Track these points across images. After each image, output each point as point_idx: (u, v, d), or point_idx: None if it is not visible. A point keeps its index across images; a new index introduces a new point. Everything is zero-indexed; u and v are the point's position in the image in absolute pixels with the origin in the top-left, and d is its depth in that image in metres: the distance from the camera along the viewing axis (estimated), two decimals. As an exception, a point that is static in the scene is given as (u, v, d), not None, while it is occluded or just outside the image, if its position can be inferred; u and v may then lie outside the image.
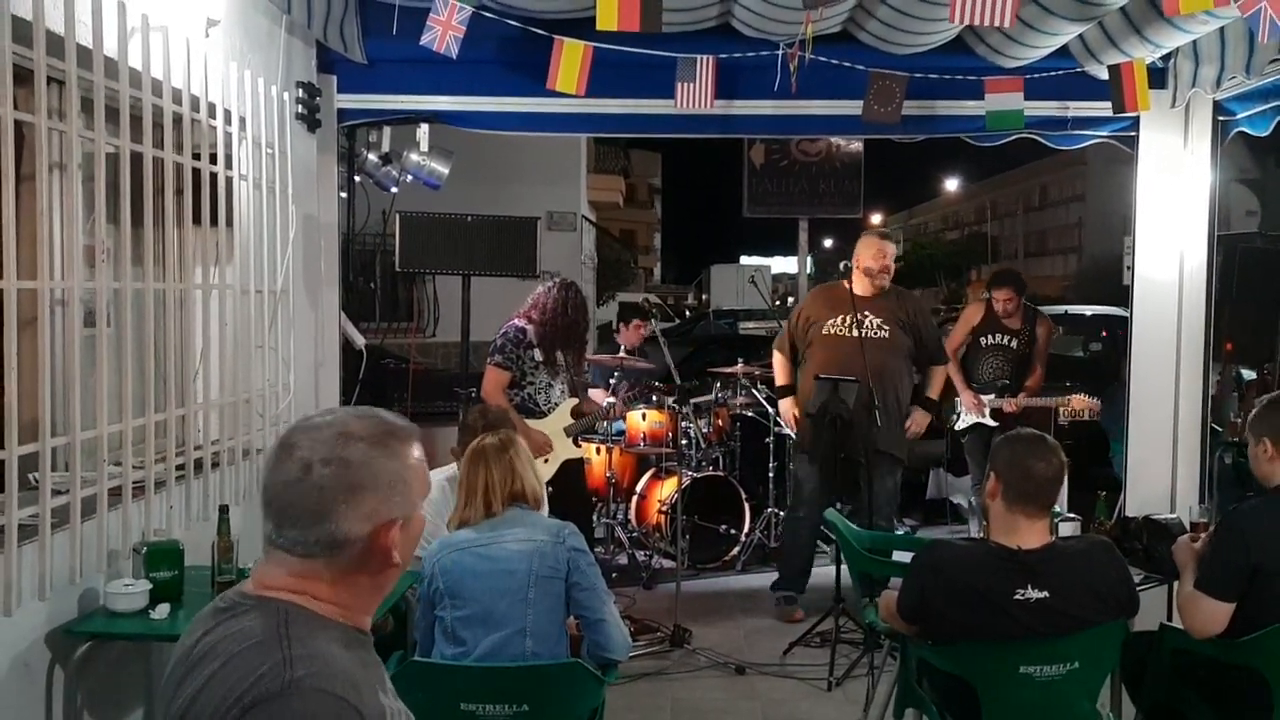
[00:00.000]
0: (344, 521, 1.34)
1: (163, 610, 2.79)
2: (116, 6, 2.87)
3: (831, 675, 4.37)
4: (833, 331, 5.09)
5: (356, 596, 1.39)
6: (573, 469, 5.09)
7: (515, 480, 2.84)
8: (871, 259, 5.07)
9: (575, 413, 5.04)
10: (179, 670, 1.33)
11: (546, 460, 4.84)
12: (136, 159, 2.99)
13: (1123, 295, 5.00)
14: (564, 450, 4.99)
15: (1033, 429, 2.76)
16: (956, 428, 6.01)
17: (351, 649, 1.35)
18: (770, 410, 6.34)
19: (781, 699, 4.25)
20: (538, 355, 4.86)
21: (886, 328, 5.07)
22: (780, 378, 5.42)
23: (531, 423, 4.83)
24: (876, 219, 58.52)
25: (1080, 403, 5.68)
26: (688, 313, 23.97)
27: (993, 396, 5.83)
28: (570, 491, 4.96)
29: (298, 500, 1.34)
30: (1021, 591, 2.53)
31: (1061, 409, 5.73)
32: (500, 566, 2.70)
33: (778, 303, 21.98)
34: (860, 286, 5.07)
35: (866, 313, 5.04)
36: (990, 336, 5.97)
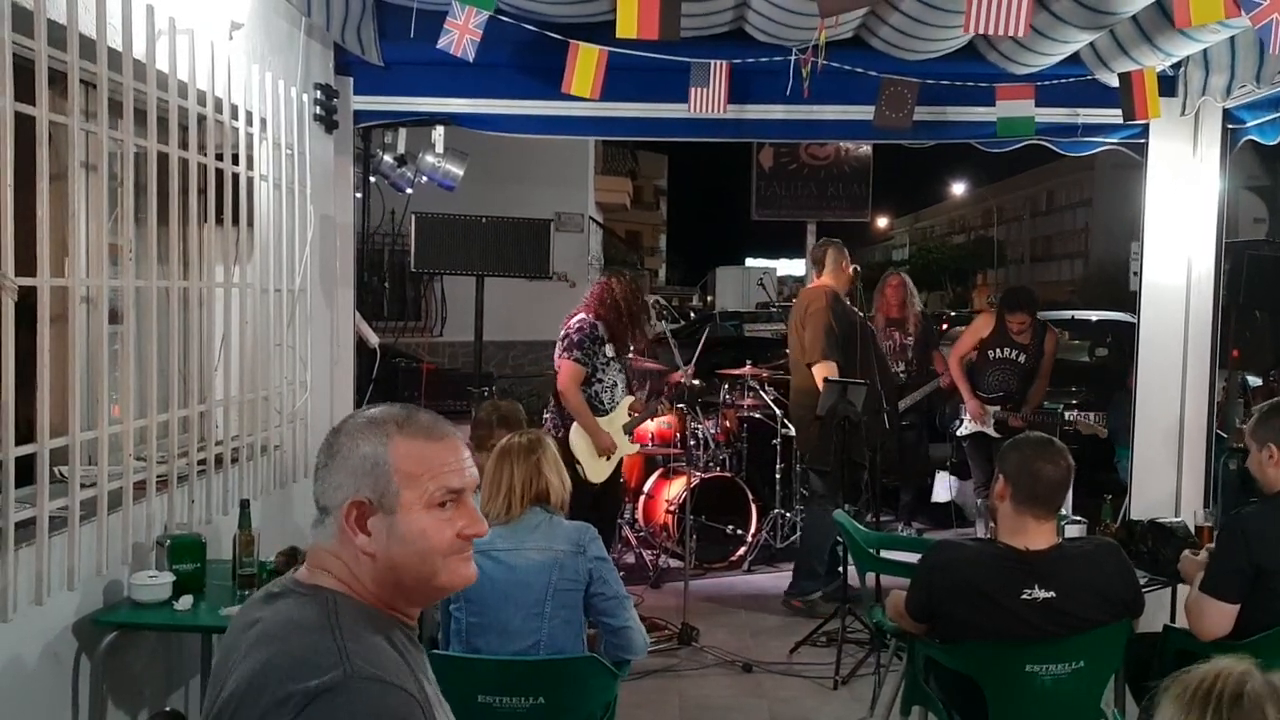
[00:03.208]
0: (322, 484, 1.41)
1: (186, 602, 2.85)
2: (145, 10, 2.93)
3: (838, 674, 4.42)
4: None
5: (375, 587, 1.39)
6: (615, 467, 5.18)
7: (539, 481, 2.82)
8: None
9: (633, 409, 5.13)
10: (233, 651, 1.36)
11: (609, 458, 4.96)
12: (161, 159, 3.05)
13: (1128, 301, 5.05)
14: (625, 447, 5.11)
15: (1041, 432, 2.81)
16: (959, 433, 6.05)
17: (395, 638, 1.38)
18: (778, 412, 6.39)
19: (788, 697, 4.30)
20: (609, 351, 4.93)
21: None
22: None
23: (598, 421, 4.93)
24: (883, 222, 58.54)
25: (1086, 427, 5.69)
26: (692, 314, 23.99)
27: (997, 409, 5.87)
28: (612, 487, 5.09)
29: (316, 466, 1.45)
30: (1028, 591, 2.57)
31: (1074, 427, 5.78)
32: (518, 577, 2.69)
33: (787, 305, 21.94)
34: (845, 288, 5.36)
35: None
36: (999, 350, 5.99)
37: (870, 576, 4.22)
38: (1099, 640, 2.63)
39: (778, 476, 6.36)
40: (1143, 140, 4.76)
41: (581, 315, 4.95)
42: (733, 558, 6.06)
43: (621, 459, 5.28)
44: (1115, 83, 4.32)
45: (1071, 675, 2.62)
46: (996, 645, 2.62)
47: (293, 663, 1.28)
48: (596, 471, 4.92)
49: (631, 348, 5.07)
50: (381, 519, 1.38)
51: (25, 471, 2.53)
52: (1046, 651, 2.60)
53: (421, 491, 1.39)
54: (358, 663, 1.27)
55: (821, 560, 5.35)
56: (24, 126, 2.44)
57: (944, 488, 6.98)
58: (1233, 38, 3.91)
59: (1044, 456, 2.62)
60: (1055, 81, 4.50)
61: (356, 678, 1.25)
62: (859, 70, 4.43)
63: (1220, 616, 2.77)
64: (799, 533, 5.92)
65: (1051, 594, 2.57)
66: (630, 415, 5.10)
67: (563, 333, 4.93)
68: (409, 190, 5.73)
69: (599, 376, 4.93)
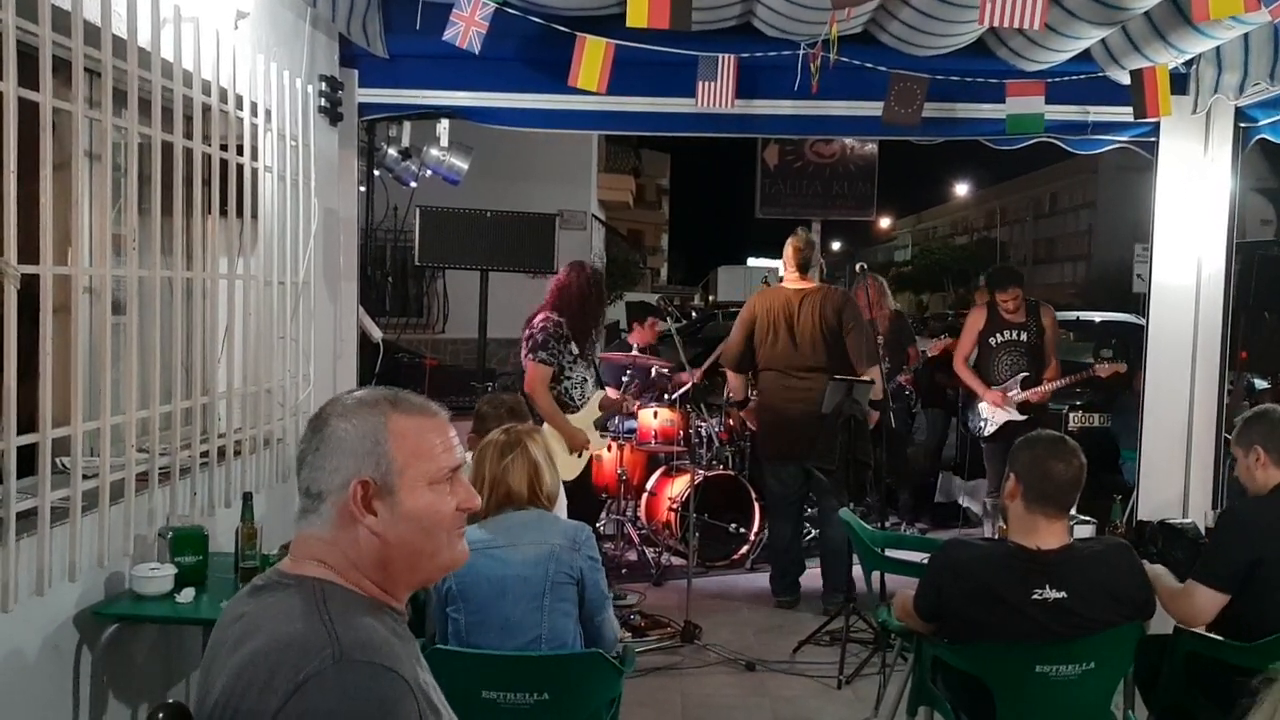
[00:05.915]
0: (314, 471, 1.37)
1: (188, 594, 2.83)
2: (150, -3, 2.90)
3: (841, 674, 4.39)
4: None
5: (375, 571, 1.38)
6: (586, 467, 5.10)
7: (526, 475, 2.77)
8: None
9: (603, 404, 5.05)
10: (221, 646, 1.35)
11: (582, 455, 4.87)
12: (165, 149, 3.02)
13: (1131, 303, 5.04)
14: (596, 443, 5.01)
15: (1053, 431, 2.78)
16: (986, 433, 5.99)
17: (385, 624, 1.36)
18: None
19: (791, 696, 4.27)
20: (574, 348, 4.85)
21: None
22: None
23: (569, 418, 4.84)
24: (885, 223, 58.54)
25: (1106, 370, 5.78)
26: (694, 313, 23.99)
27: (1017, 390, 5.86)
28: (581, 487, 4.99)
29: (298, 455, 1.41)
30: (1039, 591, 2.55)
31: (1093, 373, 5.86)
32: (514, 572, 2.65)
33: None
34: None
35: None
36: (1000, 334, 6.00)
37: (875, 576, 4.20)
38: (1109, 641, 2.60)
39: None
40: (1153, 139, 4.73)
41: (544, 314, 4.82)
42: (735, 556, 6.04)
43: (596, 456, 5.23)
44: (1126, 80, 4.28)
45: (1082, 676, 2.59)
46: (1006, 646, 2.59)
47: (281, 650, 1.25)
48: (566, 469, 4.80)
49: (595, 339, 4.97)
50: (385, 498, 1.37)
51: (27, 462, 2.51)
52: (1056, 652, 2.57)
53: (425, 470, 1.38)
54: (348, 646, 1.25)
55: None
56: (27, 113, 2.41)
57: (946, 489, 6.97)
58: (1246, 35, 3.89)
59: (1056, 455, 2.59)
60: (1065, 79, 4.48)
61: (347, 661, 1.23)
62: (868, 66, 4.40)
63: (1210, 604, 2.77)
64: (827, 540, 5.35)
65: (1062, 594, 2.54)
66: (601, 410, 5.01)
67: (526, 333, 4.81)
68: (413, 184, 5.71)
69: (567, 374, 4.84)
